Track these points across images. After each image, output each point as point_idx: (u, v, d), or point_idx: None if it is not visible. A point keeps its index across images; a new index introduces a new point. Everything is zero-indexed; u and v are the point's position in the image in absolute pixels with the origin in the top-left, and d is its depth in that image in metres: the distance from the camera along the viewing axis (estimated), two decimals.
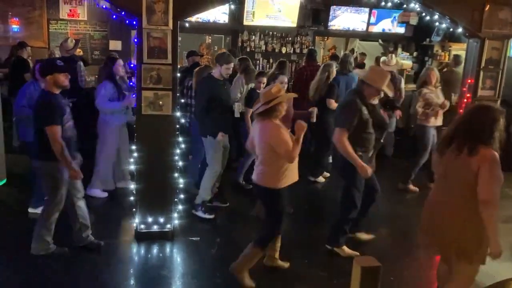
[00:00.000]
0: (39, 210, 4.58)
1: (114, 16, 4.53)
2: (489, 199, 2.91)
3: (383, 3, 7.84)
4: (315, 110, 5.52)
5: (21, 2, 8.66)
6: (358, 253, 4.36)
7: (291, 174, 3.75)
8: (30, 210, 5.05)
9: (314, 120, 5.76)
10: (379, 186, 4.52)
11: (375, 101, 4.17)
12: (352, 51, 9.44)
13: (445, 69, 8.63)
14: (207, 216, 5.18)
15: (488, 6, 4.85)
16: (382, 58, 7.78)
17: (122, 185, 5.85)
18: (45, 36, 8.83)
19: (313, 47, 9.80)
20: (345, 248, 4.42)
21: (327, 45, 12.11)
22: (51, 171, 3.99)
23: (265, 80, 5.87)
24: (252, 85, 6.27)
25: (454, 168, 3.06)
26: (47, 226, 4.15)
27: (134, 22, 4.22)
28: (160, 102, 4.34)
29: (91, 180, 5.59)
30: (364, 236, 4.77)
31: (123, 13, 4.21)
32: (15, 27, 8.76)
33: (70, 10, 8.85)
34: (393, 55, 7.72)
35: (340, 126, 4.01)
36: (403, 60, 10.49)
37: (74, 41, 7.10)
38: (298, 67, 8.90)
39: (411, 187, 6.31)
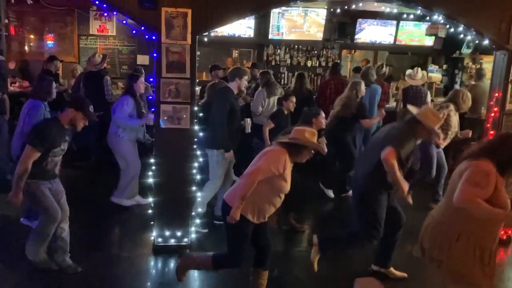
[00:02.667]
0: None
1: (134, 31, 4.60)
2: (463, 199, 2.77)
3: (404, 16, 7.71)
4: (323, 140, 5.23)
5: (54, 18, 8.96)
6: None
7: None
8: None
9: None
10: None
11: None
12: (382, 65, 9.30)
13: (467, 84, 8.43)
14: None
15: None
16: (408, 72, 7.64)
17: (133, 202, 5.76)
18: (75, 51, 9.10)
19: (338, 61, 9.75)
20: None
21: (354, 58, 12.00)
22: (29, 189, 3.84)
23: (294, 99, 5.76)
24: (274, 98, 6.26)
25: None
26: (42, 237, 4.03)
27: (154, 37, 4.28)
28: (178, 116, 4.37)
29: (118, 188, 5.65)
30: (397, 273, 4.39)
31: (142, 28, 4.27)
32: (50, 42, 9.07)
33: (100, 26, 9.09)
34: (419, 69, 7.54)
35: (395, 146, 3.70)
36: (432, 73, 10.27)
37: (101, 56, 7.27)
38: (323, 80, 8.84)
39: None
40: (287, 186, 3.47)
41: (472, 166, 2.85)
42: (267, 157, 3.44)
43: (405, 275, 4.30)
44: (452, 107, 5.61)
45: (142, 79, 5.79)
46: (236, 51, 10.90)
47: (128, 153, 5.59)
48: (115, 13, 4.71)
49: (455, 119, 5.63)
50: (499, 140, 3.01)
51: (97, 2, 4.19)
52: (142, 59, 9.14)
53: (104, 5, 4.23)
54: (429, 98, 7.25)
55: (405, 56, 11.05)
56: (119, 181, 5.69)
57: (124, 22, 4.09)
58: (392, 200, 4.09)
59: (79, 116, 3.92)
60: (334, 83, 7.44)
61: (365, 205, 4.00)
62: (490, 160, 2.85)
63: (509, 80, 4.86)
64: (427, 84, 8.99)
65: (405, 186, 3.67)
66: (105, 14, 8.89)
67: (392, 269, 4.31)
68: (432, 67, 10.55)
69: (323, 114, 5.19)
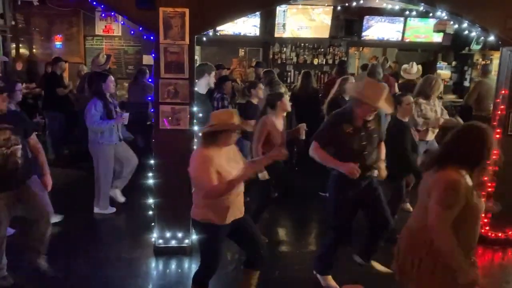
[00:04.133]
0: None
1: (132, 32, 4.58)
2: (432, 224, 2.57)
3: (413, 13, 7.60)
4: (303, 126, 5.13)
5: (60, 19, 9.03)
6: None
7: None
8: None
9: (304, 137, 5.11)
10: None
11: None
12: (386, 60, 9.19)
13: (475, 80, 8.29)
14: None
15: None
16: (403, 66, 7.62)
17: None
18: (81, 52, 9.14)
19: (345, 58, 9.65)
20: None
21: (362, 56, 11.88)
22: None
23: (262, 86, 5.81)
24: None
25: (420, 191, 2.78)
26: None
27: (152, 37, 4.25)
28: (177, 117, 4.34)
29: (100, 196, 5.60)
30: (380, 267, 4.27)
31: (140, 28, 4.24)
32: (58, 43, 9.14)
33: (106, 27, 9.13)
34: (414, 63, 7.46)
35: (316, 139, 3.82)
36: (441, 70, 10.11)
37: (105, 56, 7.28)
38: (329, 78, 8.75)
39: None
40: (231, 174, 3.20)
41: (439, 182, 2.60)
42: (192, 170, 3.24)
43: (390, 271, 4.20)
44: (420, 100, 5.56)
45: (112, 77, 5.57)
46: (243, 50, 10.86)
47: (109, 159, 5.49)
48: (112, 13, 4.66)
49: (429, 109, 5.59)
50: (451, 140, 2.72)
51: (94, 3, 4.16)
52: (148, 59, 9.12)
53: (102, 6, 4.21)
54: None
55: (414, 53, 10.90)
56: (99, 190, 5.56)
57: (122, 22, 4.05)
58: (374, 199, 3.91)
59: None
60: (333, 82, 7.32)
61: (327, 206, 4.05)
62: (454, 166, 2.60)
63: None
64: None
65: (346, 167, 3.61)
66: (112, 14, 8.92)
67: (375, 263, 4.20)
68: (441, 64, 10.40)
69: (286, 96, 5.15)
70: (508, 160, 4.04)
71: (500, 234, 5.01)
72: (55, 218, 5.00)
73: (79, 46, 9.15)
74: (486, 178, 4.98)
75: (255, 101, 5.66)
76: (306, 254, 4.82)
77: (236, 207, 3.36)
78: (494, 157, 4.98)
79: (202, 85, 4.99)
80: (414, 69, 7.28)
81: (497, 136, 4.89)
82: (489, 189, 4.95)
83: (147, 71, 7.44)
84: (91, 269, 4.30)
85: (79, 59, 9.05)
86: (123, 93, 8.20)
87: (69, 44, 9.13)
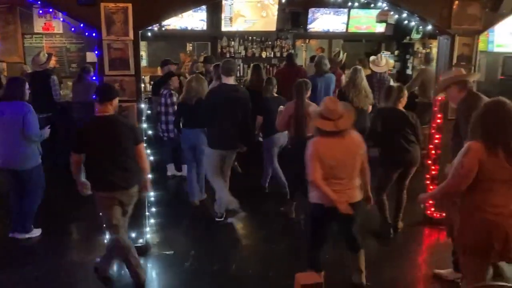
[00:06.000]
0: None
1: (73, 29, 4.43)
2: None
3: (355, 4, 7.77)
4: None
5: None
6: None
7: None
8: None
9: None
10: None
11: None
12: (339, 53, 9.37)
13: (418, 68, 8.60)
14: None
15: (457, 2, 4.78)
16: (372, 58, 7.64)
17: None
18: (20, 51, 8.69)
19: (293, 50, 9.76)
20: None
21: (310, 47, 12.05)
22: None
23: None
24: None
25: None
26: None
27: (94, 34, 4.13)
28: (124, 114, 4.24)
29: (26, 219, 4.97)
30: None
31: (82, 25, 4.10)
32: None
33: (45, 24, 8.73)
34: (383, 55, 7.56)
35: None
36: None
37: (46, 55, 7.00)
38: (276, 70, 8.83)
39: None
40: None
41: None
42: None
43: None
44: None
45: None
46: (190, 45, 10.73)
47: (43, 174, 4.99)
48: (50, 10, 4.49)
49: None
50: (474, 117, 2.99)
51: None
52: (92, 57, 8.78)
53: (38, 2, 4.04)
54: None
55: (359, 43, 11.17)
56: (26, 212, 4.92)
57: (63, 19, 3.90)
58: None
59: None
60: (287, 71, 7.44)
61: None
62: (477, 139, 2.87)
63: (453, 64, 4.95)
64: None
65: None
66: (50, 11, 8.54)
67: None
68: (385, 53, 10.72)
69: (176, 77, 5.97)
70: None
71: (444, 215, 5.26)
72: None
73: (17, 45, 8.68)
74: (429, 162, 5.26)
75: None
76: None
77: None
78: (436, 141, 5.27)
79: None
80: (383, 61, 7.33)
81: (438, 121, 5.14)
82: (433, 172, 5.20)
83: (92, 69, 7.22)
84: (43, 277, 4.16)
85: (18, 58, 8.61)
86: (67, 93, 7.90)
87: (6, 43, 8.64)
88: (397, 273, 4.39)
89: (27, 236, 4.87)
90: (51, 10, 8.24)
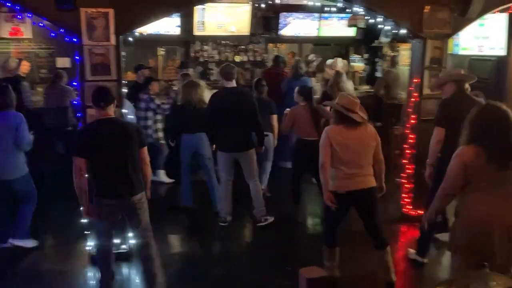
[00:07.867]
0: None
1: (53, 34, 4.37)
2: None
3: (326, 8, 7.94)
4: None
5: None
6: None
7: None
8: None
9: None
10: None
11: None
12: (313, 58, 9.49)
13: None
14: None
15: (427, 7, 4.99)
16: (328, 62, 7.78)
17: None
18: None
19: (266, 54, 9.86)
20: None
21: (281, 51, 12.17)
22: None
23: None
24: None
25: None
26: None
27: (75, 40, 4.09)
28: None
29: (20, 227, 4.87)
30: None
31: (62, 30, 4.06)
32: None
33: (12, 29, 8.49)
34: (339, 58, 7.72)
35: None
36: (355, 62, 10.66)
37: (16, 60, 6.84)
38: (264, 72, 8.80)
39: None
40: None
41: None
42: None
43: None
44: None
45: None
46: (162, 49, 10.66)
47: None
48: (29, 15, 4.40)
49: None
50: (465, 121, 3.02)
51: (8, 4, 3.91)
52: (63, 62, 8.64)
53: (17, 7, 3.97)
54: (351, 87, 7.39)
55: (328, 47, 11.38)
56: (22, 220, 4.80)
57: (41, 24, 3.82)
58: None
59: None
60: (269, 73, 7.64)
61: None
62: (477, 146, 2.89)
63: (425, 66, 5.16)
64: (351, 73, 9.34)
65: None
66: (18, 16, 8.32)
67: None
68: (354, 56, 10.96)
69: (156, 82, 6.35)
70: (424, 142, 4.42)
71: (421, 212, 5.43)
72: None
73: None
74: (405, 161, 5.44)
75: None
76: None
77: None
78: (411, 141, 5.45)
79: None
80: (339, 65, 7.40)
81: (412, 121, 5.32)
82: (409, 171, 5.38)
83: (64, 74, 7.09)
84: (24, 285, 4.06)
85: None
86: (39, 99, 7.72)
87: None
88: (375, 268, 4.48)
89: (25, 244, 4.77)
90: (19, 15, 8.12)
